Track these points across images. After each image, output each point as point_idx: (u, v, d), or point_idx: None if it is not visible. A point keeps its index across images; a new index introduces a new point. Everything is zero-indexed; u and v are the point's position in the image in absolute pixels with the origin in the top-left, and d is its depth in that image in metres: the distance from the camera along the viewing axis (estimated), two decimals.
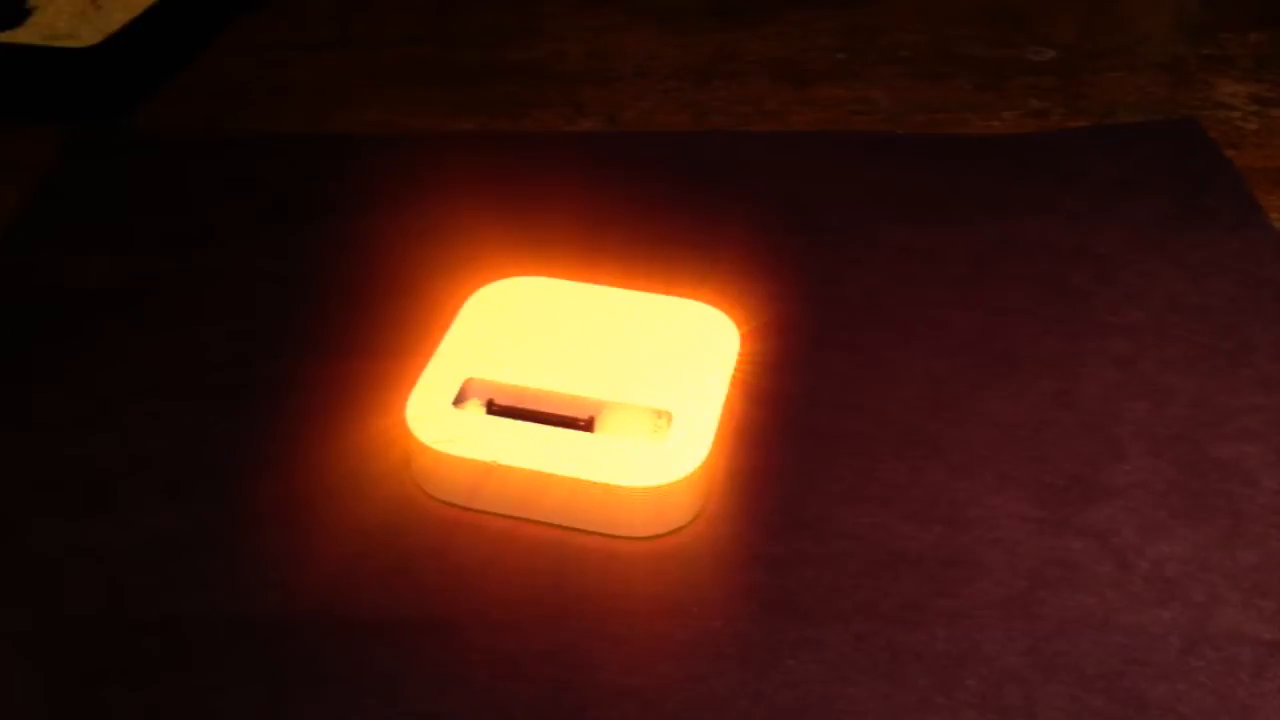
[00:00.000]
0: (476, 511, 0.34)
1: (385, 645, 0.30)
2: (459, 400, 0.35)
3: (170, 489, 0.34)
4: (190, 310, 0.41)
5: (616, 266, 0.41)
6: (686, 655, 0.30)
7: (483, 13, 0.62)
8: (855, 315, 0.41)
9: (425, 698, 0.29)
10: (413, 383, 0.35)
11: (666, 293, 0.39)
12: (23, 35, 0.53)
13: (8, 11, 0.54)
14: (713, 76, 0.56)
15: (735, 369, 0.36)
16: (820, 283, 0.42)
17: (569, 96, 0.55)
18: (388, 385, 0.37)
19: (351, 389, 0.37)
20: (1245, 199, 0.46)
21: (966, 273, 0.43)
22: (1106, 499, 0.34)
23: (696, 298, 0.39)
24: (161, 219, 0.46)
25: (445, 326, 0.37)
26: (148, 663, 0.30)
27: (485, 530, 0.33)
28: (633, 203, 0.46)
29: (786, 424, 0.37)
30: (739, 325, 0.38)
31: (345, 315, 0.41)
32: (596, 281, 0.39)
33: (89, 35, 0.52)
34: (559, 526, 0.33)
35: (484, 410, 0.35)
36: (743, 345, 0.37)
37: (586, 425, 0.34)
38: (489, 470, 0.33)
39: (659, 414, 0.35)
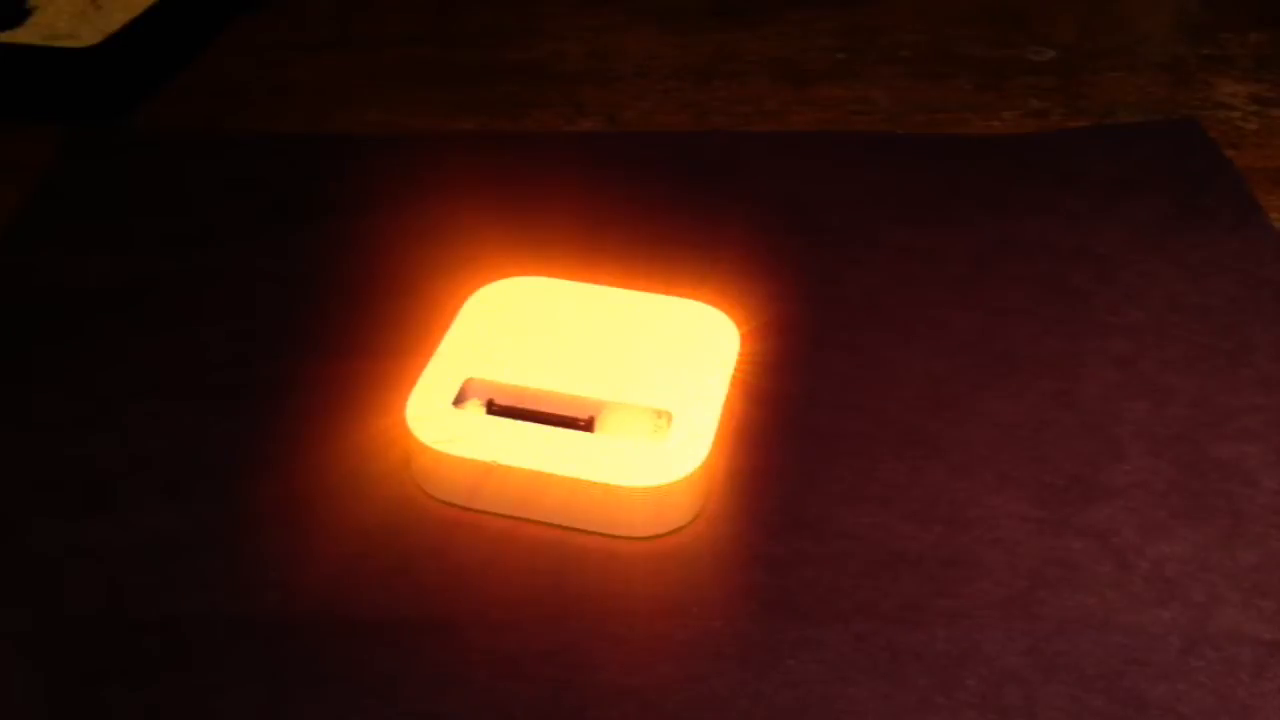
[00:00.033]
0: (476, 511, 0.34)
1: (385, 645, 0.30)
2: (459, 400, 0.35)
3: (170, 489, 0.34)
4: (190, 310, 0.41)
5: (616, 266, 0.41)
6: (686, 655, 0.30)
7: (483, 13, 0.62)
8: (855, 315, 0.41)
9: (425, 698, 0.29)
10: (413, 383, 0.35)
11: (666, 293, 0.39)
12: (23, 35, 0.53)
13: (8, 11, 0.54)
14: (713, 76, 0.56)
15: (735, 369, 0.36)
16: (820, 283, 0.42)
17: (569, 96, 0.55)
18: (388, 385, 0.37)
19: (351, 389, 0.37)
20: (1245, 199, 0.46)
21: (966, 273, 0.43)
22: (1106, 499, 0.34)
23: (696, 298, 0.39)
24: (161, 219, 0.46)
25: (445, 326, 0.37)
26: (148, 663, 0.30)
27: (485, 530, 0.33)
28: (633, 203, 0.46)
29: (786, 424, 0.37)
30: (739, 325, 0.38)
31: (345, 315, 0.41)
32: (596, 281, 0.39)
33: (89, 35, 0.52)
34: (559, 526, 0.33)
35: (484, 410, 0.35)
36: (743, 345, 0.37)
37: (586, 425, 0.34)
38: (489, 470, 0.33)
39: (659, 414, 0.35)
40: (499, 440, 0.34)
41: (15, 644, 0.30)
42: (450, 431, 0.34)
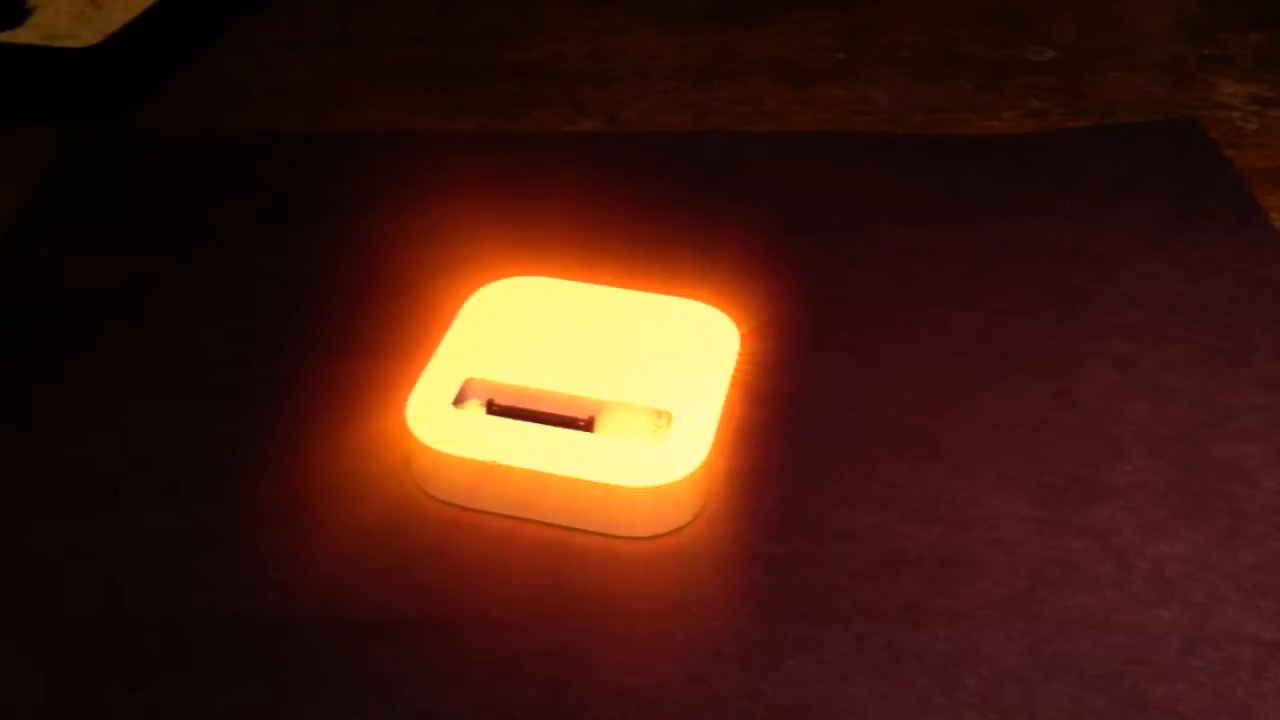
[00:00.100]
0: (476, 511, 0.34)
1: (385, 645, 0.30)
2: (459, 400, 0.35)
3: (170, 489, 0.34)
4: (190, 310, 0.41)
5: (616, 266, 0.41)
6: (686, 655, 0.30)
7: (483, 13, 0.62)
8: (855, 315, 0.41)
9: (425, 698, 0.29)
10: (413, 383, 0.35)
11: (666, 293, 0.39)
12: (23, 35, 0.53)
13: (8, 11, 0.54)
14: (713, 76, 0.56)
15: (735, 369, 0.36)
16: (820, 283, 0.42)
17: (569, 96, 0.55)
18: (388, 385, 0.37)
19: (351, 389, 0.37)
20: (1245, 199, 0.46)
21: (966, 273, 0.43)
22: (1106, 499, 0.34)
23: (696, 298, 0.39)
24: (161, 219, 0.46)
25: (445, 326, 0.37)
26: (148, 663, 0.30)
27: (485, 530, 0.33)
28: (633, 203, 0.46)
29: (786, 424, 0.37)
30: (739, 325, 0.38)
31: (345, 315, 0.41)
32: (596, 281, 0.39)
33: (89, 35, 0.52)
34: (559, 526, 0.33)
35: (484, 410, 0.35)
36: (743, 345, 0.37)
37: (586, 425, 0.34)
38: (489, 470, 0.33)
39: (659, 414, 0.35)
40: (499, 440, 0.34)
41: (15, 644, 0.30)
42: (450, 431, 0.34)
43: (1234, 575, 0.32)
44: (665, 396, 0.35)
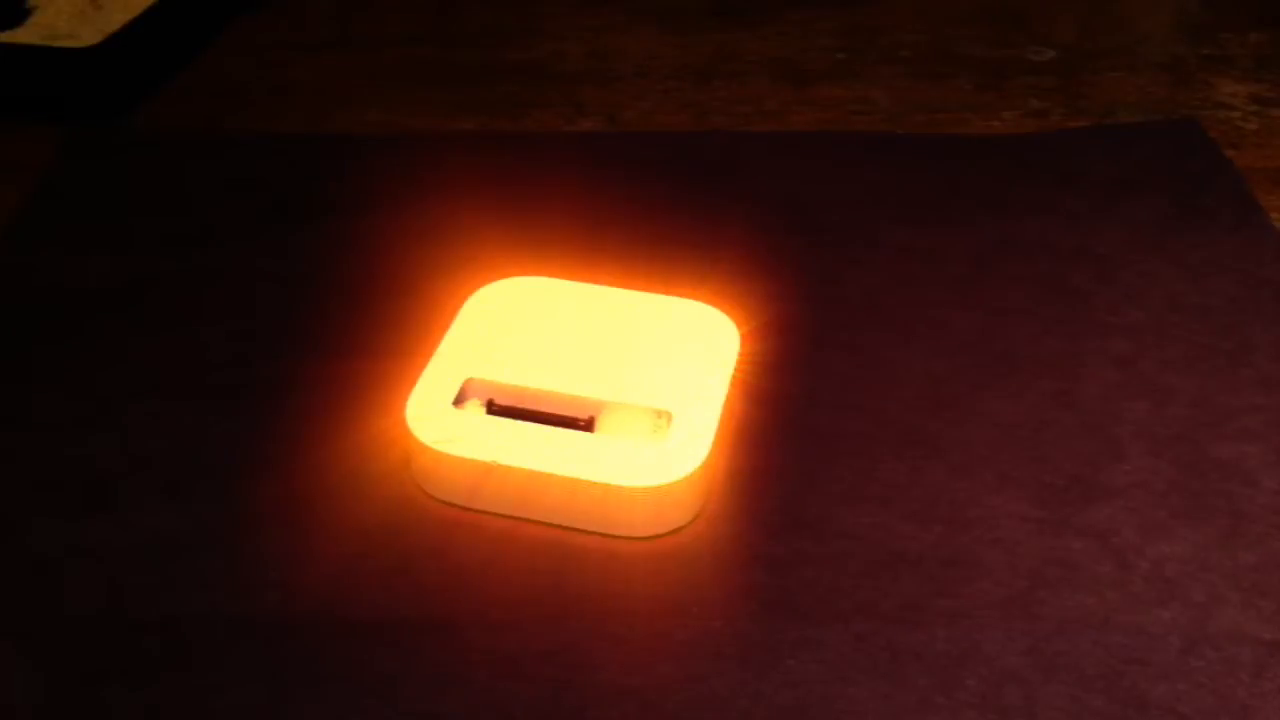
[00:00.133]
0: (476, 511, 0.34)
1: (385, 645, 0.30)
2: (459, 400, 0.35)
3: (170, 489, 0.34)
4: (190, 310, 0.41)
5: (616, 266, 0.41)
6: (686, 655, 0.30)
7: (483, 13, 0.62)
8: (855, 315, 0.41)
9: (425, 698, 0.29)
10: (413, 383, 0.35)
11: (666, 293, 0.39)
12: (23, 35, 0.53)
13: (8, 11, 0.54)
14: (713, 76, 0.56)
15: (735, 369, 0.36)
16: (820, 283, 0.42)
17: (569, 96, 0.55)
18: (388, 385, 0.37)
19: (351, 389, 0.37)
20: (1245, 199, 0.46)
21: (966, 273, 0.43)
22: (1106, 499, 0.34)
23: (696, 298, 0.39)
24: (161, 219, 0.46)
25: (445, 326, 0.37)
26: (148, 663, 0.30)
27: (485, 530, 0.33)
28: (633, 203, 0.46)
29: (786, 424, 0.37)
30: (739, 325, 0.38)
31: (345, 315, 0.41)
32: (596, 281, 0.39)
33: (89, 35, 0.52)
34: (559, 526, 0.33)
35: (484, 410, 0.35)
36: (743, 345, 0.37)
37: (586, 425, 0.34)
38: (489, 470, 0.33)
39: (659, 414, 0.35)
40: (499, 440, 0.34)
41: (15, 644, 0.30)
42: (450, 431, 0.34)
43: (1234, 575, 0.32)
44: (665, 396, 0.35)
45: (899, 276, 0.43)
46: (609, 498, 0.33)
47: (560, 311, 0.38)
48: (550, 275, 0.40)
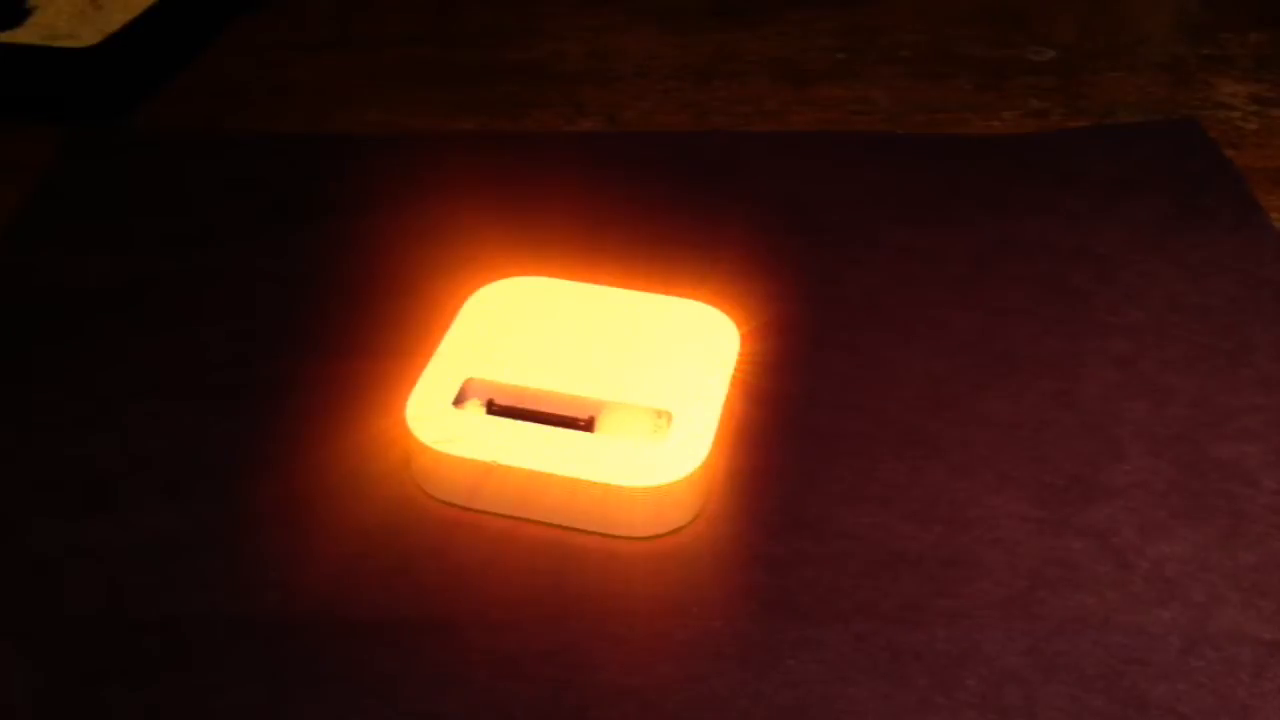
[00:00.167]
0: (476, 511, 0.34)
1: (385, 645, 0.30)
2: (459, 400, 0.35)
3: (170, 489, 0.34)
4: (190, 310, 0.41)
5: (616, 266, 0.41)
6: (686, 655, 0.30)
7: (483, 13, 0.62)
8: (855, 315, 0.41)
9: (425, 698, 0.29)
10: (413, 383, 0.35)
11: (666, 293, 0.39)
12: (23, 35, 0.53)
13: (8, 11, 0.54)
14: (713, 76, 0.56)
15: (735, 369, 0.36)
16: (820, 283, 0.42)
17: (569, 96, 0.55)
18: (388, 385, 0.37)
19: (351, 389, 0.37)
20: (1245, 199, 0.46)
21: (966, 273, 0.43)
22: (1106, 499, 0.34)
23: (696, 298, 0.39)
24: (161, 219, 0.46)
25: (445, 326, 0.37)
26: (148, 663, 0.30)
27: (485, 530, 0.33)
28: (633, 203, 0.46)
29: (786, 424, 0.37)
30: (739, 325, 0.38)
31: (345, 315, 0.41)
32: (596, 281, 0.39)
33: (89, 35, 0.52)
34: (559, 526, 0.33)
35: (484, 410, 0.35)
36: (743, 345, 0.37)
37: (586, 425, 0.34)
38: (489, 470, 0.33)
39: (659, 414, 0.35)
40: (499, 440, 0.34)
41: (15, 644, 0.30)
42: (450, 431, 0.34)
43: (1234, 575, 0.32)
44: (665, 396, 0.35)
45: (899, 276, 0.43)
46: (609, 498, 0.33)
47: (560, 311, 0.38)
48: (550, 275, 0.40)
